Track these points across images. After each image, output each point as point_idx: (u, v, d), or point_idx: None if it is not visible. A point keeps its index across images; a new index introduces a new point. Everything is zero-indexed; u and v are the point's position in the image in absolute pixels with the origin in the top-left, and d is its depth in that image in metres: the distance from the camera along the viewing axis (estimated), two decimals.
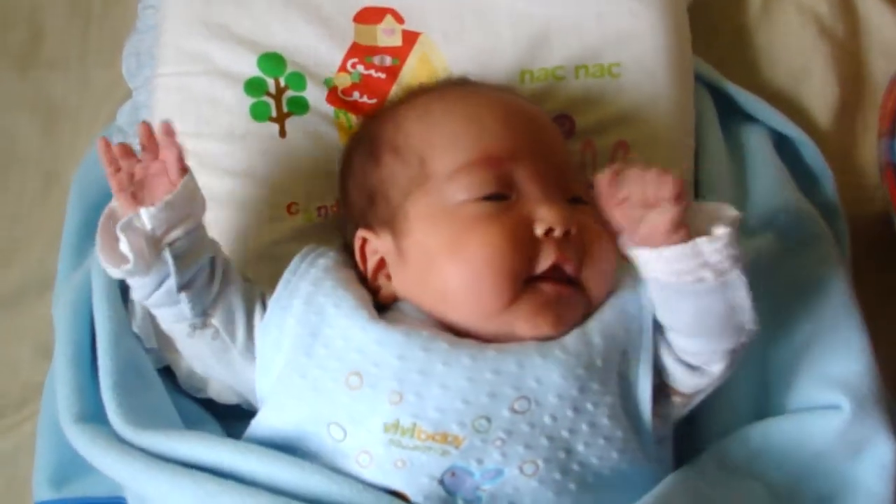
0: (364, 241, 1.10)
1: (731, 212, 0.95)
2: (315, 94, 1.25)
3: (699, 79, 1.33)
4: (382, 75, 1.26)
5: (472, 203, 1.04)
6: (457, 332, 1.03)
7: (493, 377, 0.98)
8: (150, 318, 1.18)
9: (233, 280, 1.10)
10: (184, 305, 1.06)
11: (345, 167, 1.17)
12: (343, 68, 1.26)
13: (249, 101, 1.25)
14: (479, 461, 0.96)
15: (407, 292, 1.07)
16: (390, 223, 1.08)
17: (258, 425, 1.05)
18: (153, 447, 1.04)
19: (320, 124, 1.25)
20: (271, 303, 1.08)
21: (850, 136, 1.38)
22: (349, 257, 1.14)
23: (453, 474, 0.96)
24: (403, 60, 1.27)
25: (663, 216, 0.93)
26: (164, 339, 1.19)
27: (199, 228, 1.07)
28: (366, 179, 1.12)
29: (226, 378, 1.13)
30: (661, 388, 1.04)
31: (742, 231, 1.23)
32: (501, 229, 1.02)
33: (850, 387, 1.12)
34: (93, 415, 1.10)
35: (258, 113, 1.24)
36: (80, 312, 1.18)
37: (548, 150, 1.10)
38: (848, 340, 1.16)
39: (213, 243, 1.10)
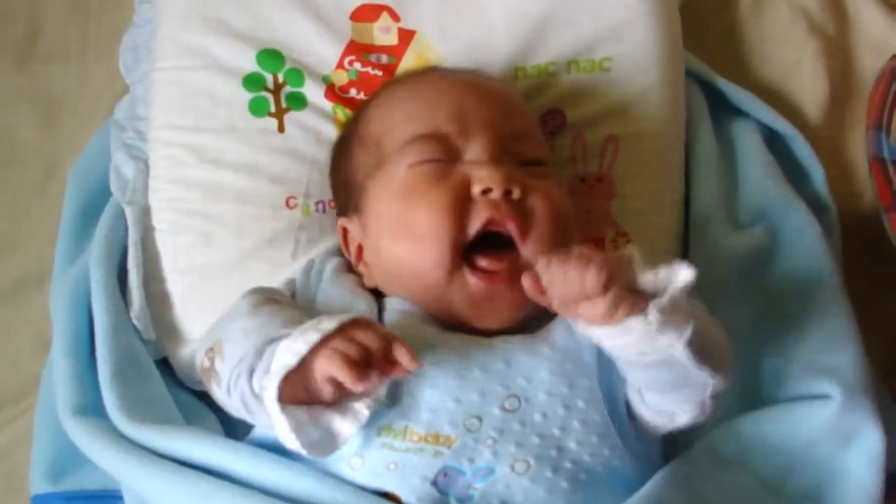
0: (344, 230, 1.12)
1: (683, 277, 0.88)
2: (313, 91, 1.26)
3: (690, 74, 1.34)
4: (379, 73, 1.27)
5: (415, 167, 1.04)
6: (441, 321, 1.03)
7: (481, 375, 0.98)
8: (149, 309, 1.19)
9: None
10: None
11: (331, 168, 1.19)
12: (340, 65, 1.26)
13: (248, 96, 1.25)
14: (471, 460, 0.96)
15: (375, 274, 1.08)
16: (357, 206, 1.10)
17: (256, 432, 1.05)
18: (150, 442, 1.04)
19: (318, 120, 1.25)
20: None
21: (840, 130, 1.38)
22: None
23: (445, 475, 0.95)
24: (399, 59, 1.27)
25: (594, 309, 0.88)
26: (162, 330, 1.20)
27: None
28: (342, 174, 1.14)
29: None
30: (632, 415, 1.01)
31: (732, 225, 1.26)
32: (440, 190, 1.02)
33: (840, 376, 1.12)
34: (91, 407, 1.11)
35: (257, 108, 1.25)
36: (78, 304, 1.18)
37: (502, 120, 1.09)
38: (837, 331, 1.17)
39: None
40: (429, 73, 1.18)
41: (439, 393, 0.97)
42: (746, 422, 1.12)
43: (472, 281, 1.01)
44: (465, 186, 1.02)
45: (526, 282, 0.91)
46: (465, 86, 1.11)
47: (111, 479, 1.11)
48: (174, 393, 1.17)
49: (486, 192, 1.02)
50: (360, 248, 1.11)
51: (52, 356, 1.17)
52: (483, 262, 1.02)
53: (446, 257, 1.01)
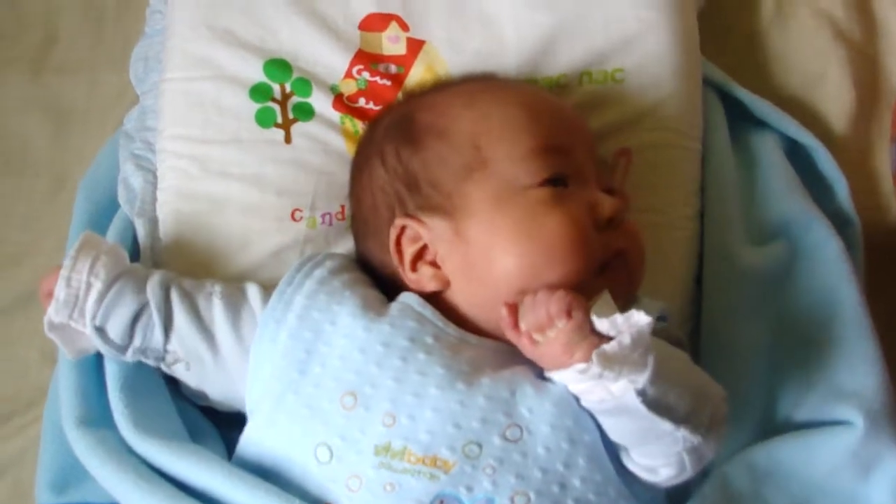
0: (402, 229, 1.04)
1: (635, 323, 0.87)
2: (321, 101, 1.21)
3: (708, 84, 1.27)
4: (388, 82, 1.21)
5: (538, 188, 1.00)
6: (475, 332, 1.00)
7: (485, 402, 0.94)
8: None
9: (183, 310, 1.06)
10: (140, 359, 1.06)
11: (364, 158, 1.11)
12: (349, 75, 1.21)
13: (255, 106, 1.20)
14: (469, 488, 0.91)
15: (459, 276, 1.02)
16: (443, 207, 1.02)
17: (248, 442, 1.02)
18: (154, 457, 1.02)
19: (326, 131, 1.20)
20: (265, 314, 1.04)
21: (866, 141, 1.30)
22: (354, 262, 1.10)
23: (442, 502, 0.91)
24: (409, 69, 1.22)
25: (555, 343, 0.89)
26: None
27: (105, 295, 1.05)
28: (403, 166, 1.06)
29: (218, 395, 1.10)
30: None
31: (752, 239, 1.20)
32: (576, 213, 0.98)
33: (862, 401, 1.06)
34: (96, 419, 1.07)
35: (264, 119, 1.20)
36: None
37: (591, 143, 1.08)
38: (860, 353, 1.10)
39: (138, 294, 1.06)
40: (506, 80, 1.15)
41: (440, 416, 0.93)
42: (761, 451, 1.06)
43: (615, 276, 0.99)
44: (593, 209, 1.00)
45: (503, 310, 0.93)
46: (552, 99, 1.10)
47: None
48: (179, 407, 1.13)
49: (610, 219, 1.00)
50: (421, 250, 1.03)
51: (58, 367, 1.14)
52: (610, 284, 0.98)
53: (584, 279, 0.97)
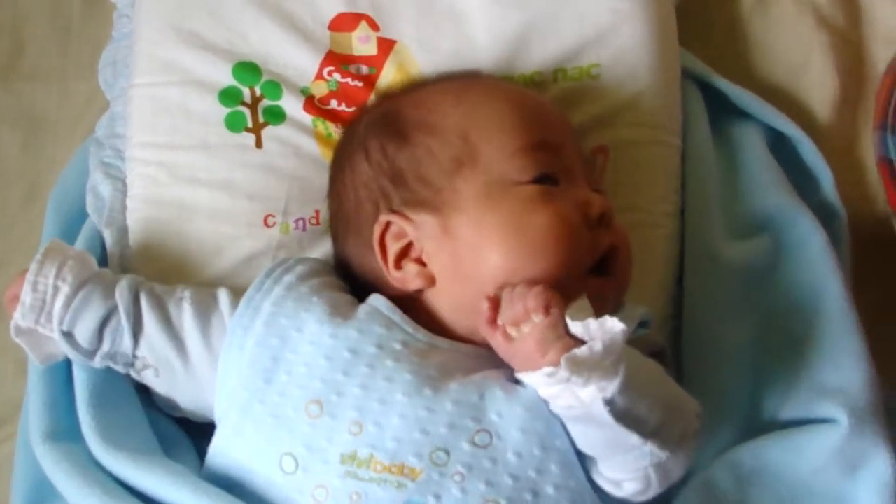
0: (387, 225, 1.01)
1: (609, 329, 0.84)
2: (291, 103, 1.17)
3: (688, 75, 1.23)
4: (360, 84, 1.18)
5: (529, 185, 0.98)
6: (448, 336, 0.97)
7: (453, 408, 0.91)
8: None
9: (152, 316, 1.04)
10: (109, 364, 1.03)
11: (347, 155, 1.08)
12: (319, 76, 1.18)
13: (224, 111, 1.17)
14: (437, 497, 0.88)
15: (445, 274, 0.99)
16: (431, 202, 0.99)
17: (216, 453, 0.99)
18: (123, 471, 0.99)
19: (298, 134, 1.17)
20: (233, 321, 1.01)
21: (851, 130, 1.26)
22: (328, 265, 1.08)
23: None
24: (380, 70, 1.19)
25: (531, 334, 0.87)
26: None
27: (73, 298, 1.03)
28: (388, 161, 1.03)
29: (189, 404, 1.07)
30: None
31: (734, 234, 1.16)
32: (567, 211, 0.96)
33: (847, 399, 1.03)
34: (64, 433, 1.05)
35: (233, 123, 1.17)
36: None
37: (579, 142, 1.06)
38: (845, 349, 1.07)
39: (106, 299, 1.04)
40: (493, 78, 1.13)
41: (407, 423, 0.91)
42: (745, 451, 1.03)
43: (601, 283, 0.97)
44: (583, 208, 0.98)
45: (483, 304, 0.91)
46: (541, 98, 1.09)
47: None
48: (151, 418, 1.10)
49: (600, 217, 0.98)
50: (406, 248, 1.01)
51: (28, 379, 1.11)
52: (601, 284, 0.97)
53: (575, 278, 0.95)
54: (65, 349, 1.03)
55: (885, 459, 1.01)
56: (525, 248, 0.95)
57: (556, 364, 0.84)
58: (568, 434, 0.91)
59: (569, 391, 0.84)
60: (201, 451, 1.07)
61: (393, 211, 1.01)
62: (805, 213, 1.15)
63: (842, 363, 1.06)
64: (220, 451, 0.99)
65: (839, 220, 1.19)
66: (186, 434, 1.11)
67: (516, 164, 0.99)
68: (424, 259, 1.00)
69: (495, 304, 0.91)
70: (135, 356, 1.04)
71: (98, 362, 1.04)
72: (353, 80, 1.18)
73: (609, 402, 0.83)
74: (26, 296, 1.02)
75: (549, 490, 0.89)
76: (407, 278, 1.00)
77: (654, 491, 0.90)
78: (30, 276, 1.02)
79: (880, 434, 1.02)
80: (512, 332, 0.89)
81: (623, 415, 0.83)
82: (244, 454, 0.96)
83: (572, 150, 1.03)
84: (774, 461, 1.02)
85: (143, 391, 1.13)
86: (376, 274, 1.03)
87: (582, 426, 0.88)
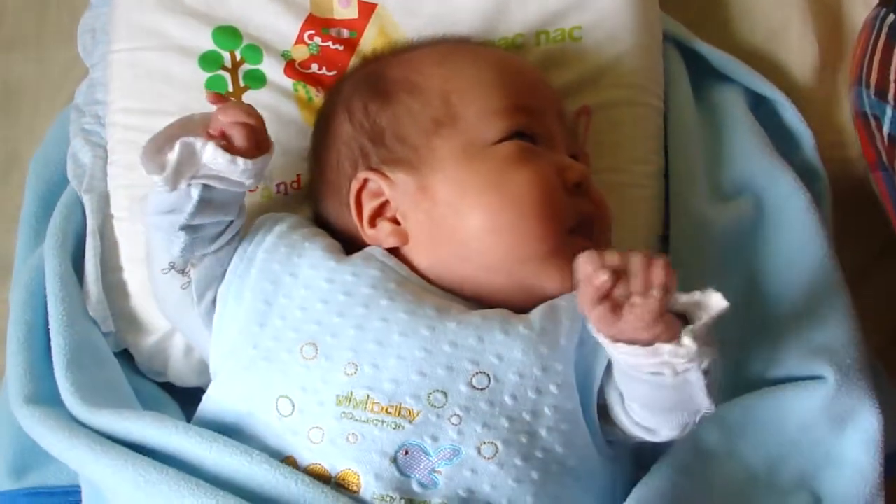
0: (364, 183, 0.98)
1: (719, 303, 0.80)
2: (272, 68, 1.13)
3: (669, 39, 1.20)
4: (340, 47, 1.14)
5: (508, 143, 0.95)
6: (443, 289, 0.94)
7: (451, 350, 0.88)
8: (107, 300, 1.08)
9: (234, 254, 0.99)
10: (176, 244, 0.95)
11: (330, 114, 1.04)
12: (300, 40, 1.13)
13: (205, 75, 1.12)
14: (434, 438, 0.85)
15: (421, 234, 0.96)
16: (409, 161, 0.96)
17: (209, 400, 0.96)
18: (106, 426, 0.95)
19: (278, 98, 1.12)
20: (228, 273, 0.98)
21: (831, 92, 1.23)
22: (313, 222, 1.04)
23: (407, 452, 0.85)
24: (361, 33, 1.14)
25: (647, 306, 0.78)
26: (121, 321, 1.09)
27: (242, 194, 0.97)
28: (369, 120, 1.00)
29: (187, 333, 1.03)
30: (606, 416, 0.91)
31: (717, 196, 1.13)
32: (546, 171, 0.93)
33: (833, 355, 1.01)
34: (45, 397, 1.01)
35: (214, 88, 1.12)
36: (34, 294, 1.08)
37: (561, 110, 1.03)
38: (830, 306, 1.05)
39: (242, 213, 0.99)
40: (479, 43, 1.10)
41: (404, 364, 0.88)
42: (732, 408, 1.00)
43: (582, 242, 0.92)
44: (561, 173, 0.95)
45: (601, 276, 0.79)
46: (525, 63, 1.06)
47: (74, 475, 1.02)
48: (135, 384, 1.07)
49: (578, 183, 0.95)
50: (382, 206, 0.97)
51: (7, 348, 1.07)
52: (584, 243, 0.92)
53: (557, 234, 0.92)
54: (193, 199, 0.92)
55: (871, 414, 0.99)
56: (506, 206, 0.92)
57: (663, 338, 0.79)
58: (565, 378, 0.88)
59: (665, 364, 0.80)
60: (188, 418, 1.03)
61: (371, 169, 0.98)
62: (788, 173, 1.12)
63: (828, 321, 1.03)
64: (213, 398, 0.95)
65: (820, 181, 1.16)
66: (171, 397, 1.08)
67: (494, 124, 0.96)
68: (399, 218, 0.97)
69: (617, 277, 0.79)
70: (192, 263, 0.97)
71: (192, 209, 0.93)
72: (334, 43, 1.14)
73: (706, 373, 0.81)
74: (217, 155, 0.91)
75: (543, 433, 0.87)
76: (380, 236, 0.97)
77: (681, 436, 0.89)
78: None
79: (866, 390, 1.00)
80: (634, 300, 0.79)
81: (711, 383, 0.82)
82: (238, 399, 0.92)
83: (553, 118, 1.00)
84: (762, 417, 1.00)
85: (127, 358, 1.10)
86: (353, 233, 1.00)
87: (655, 389, 0.84)
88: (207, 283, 0.98)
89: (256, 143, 0.94)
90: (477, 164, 0.94)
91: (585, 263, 0.80)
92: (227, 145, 0.93)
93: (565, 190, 0.94)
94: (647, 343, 0.80)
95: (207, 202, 0.94)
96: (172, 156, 0.91)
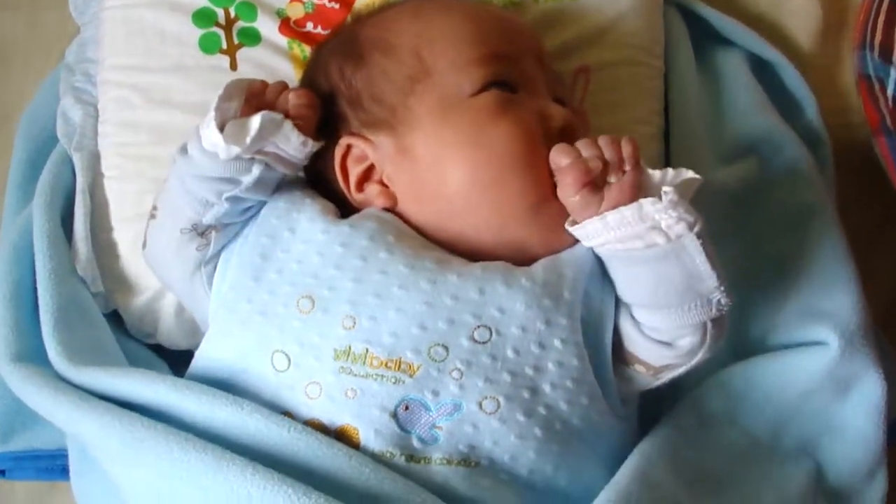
0: (348, 148, 0.93)
1: (688, 175, 0.82)
2: (267, 25, 1.09)
3: (671, 2, 1.16)
4: (336, 5, 1.10)
5: (485, 94, 0.90)
6: (443, 247, 0.90)
7: (452, 303, 0.84)
8: (96, 260, 1.05)
9: None
10: (214, 210, 0.91)
11: (310, 81, 0.99)
12: None
13: (198, 32, 1.08)
14: (435, 393, 0.82)
15: (408, 195, 0.91)
16: (387, 122, 0.92)
17: (200, 357, 0.91)
18: (93, 384, 0.91)
19: (273, 56, 1.08)
20: (227, 229, 0.93)
21: (835, 58, 1.19)
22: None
23: (407, 407, 0.82)
24: None
25: (628, 180, 0.83)
26: (110, 281, 1.05)
27: (284, 176, 0.94)
28: (346, 84, 0.95)
29: (184, 294, 0.98)
30: (624, 356, 0.88)
31: (718, 159, 1.09)
32: (526, 121, 0.88)
33: (836, 321, 0.97)
34: (31, 355, 0.97)
35: (208, 45, 1.08)
36: (21, 252, 1.04)
37: (541, 53, 0.98)
38: (833, 272, 1.01)
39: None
40: None
41: (404, 317, 0.84)
42: (734, 373, 0.97)
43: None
44: (544, 120, 0.90)
45: (594, 163, 0.84)
46: (500, 11, 1.03)
47: (61, 438, 0.99)
48: (123, 344, 1.03)
49: (562, 129, 0.91)
50: (368, 171, 0.93)
51: None
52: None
53: (540, 187, 0.87)
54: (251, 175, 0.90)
55: (875, 381, 0.96)
56: (485, 161, 0.88)
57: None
58: (569, 333, 0.84)
59: (654, 228, 0.80)
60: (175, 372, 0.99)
61: (352, 133, 0.94)
62: (791, 137, 1.09)
63: (832, 286, 1.00)
64: (206, 354, 0.91)
65: (823, 145, 1.12)
66: (160, 357, 1.04)
67: (469, 75, 0.91)
68: (386, 181, 0.92)
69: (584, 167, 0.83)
70: (216, 228, 0.93)
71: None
72: (329, 1, 1.09)
73: (700, 236, 0.80)
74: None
75: (546, 388, 0.83)
76: (368, 199, 0.93)
77: (703, 353, 0.85)
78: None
79: (870, 356, 0.97)
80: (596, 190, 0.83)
81: (711, 253, 0.80)
82: (232, 354, 0.88)
83: (532, 62, 0.95)
84: (765, 382, 0.96)
85: (117, 322, 1.06)
86: (343, 197, 0.95)
87: (660, 266, 0.81)
88: (222, 245, 0.94)
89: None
90: (454, 118, 0.89)
91: (559, 155, 0.85)
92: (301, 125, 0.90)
93: (549, 138, 0.89)
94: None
95: (261, 180, 0.91)
96: (253, 125, 0.87)
